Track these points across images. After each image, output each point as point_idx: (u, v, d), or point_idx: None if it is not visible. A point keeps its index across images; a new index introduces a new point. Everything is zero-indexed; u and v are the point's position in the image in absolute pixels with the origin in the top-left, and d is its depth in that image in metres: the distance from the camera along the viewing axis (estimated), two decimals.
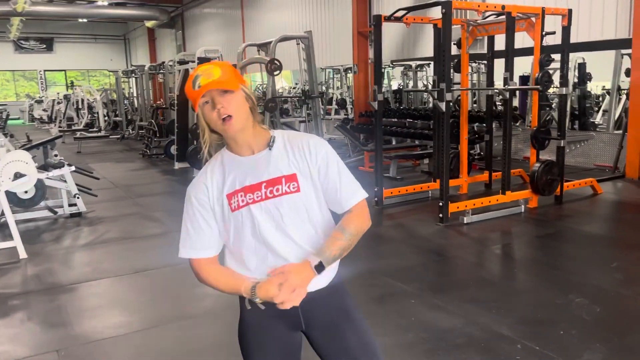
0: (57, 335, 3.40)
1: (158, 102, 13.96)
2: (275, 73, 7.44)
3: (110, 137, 16.13)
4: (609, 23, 7.93)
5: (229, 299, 3.83)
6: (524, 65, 9.72)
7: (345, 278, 1.75)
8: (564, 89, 6.26)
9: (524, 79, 10.48)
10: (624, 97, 10.14)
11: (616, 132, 9.10)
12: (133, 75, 16.99)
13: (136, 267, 4.64)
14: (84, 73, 31.27)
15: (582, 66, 10.56)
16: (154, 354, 3.17)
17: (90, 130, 17.13)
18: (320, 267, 1.53)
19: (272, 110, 7.69)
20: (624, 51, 9.26)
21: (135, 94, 17.55)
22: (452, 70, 5.89)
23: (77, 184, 6.66)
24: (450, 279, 4.31)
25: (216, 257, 1.65)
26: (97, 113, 18.28)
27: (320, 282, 1.60)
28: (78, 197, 6.54)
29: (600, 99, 11.96)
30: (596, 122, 10.96)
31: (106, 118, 18.37)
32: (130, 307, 3.85)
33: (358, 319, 1.70)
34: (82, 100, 19.22)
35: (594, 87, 11.95)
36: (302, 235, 1.59)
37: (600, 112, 11.44)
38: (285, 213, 1.57)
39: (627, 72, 10.05)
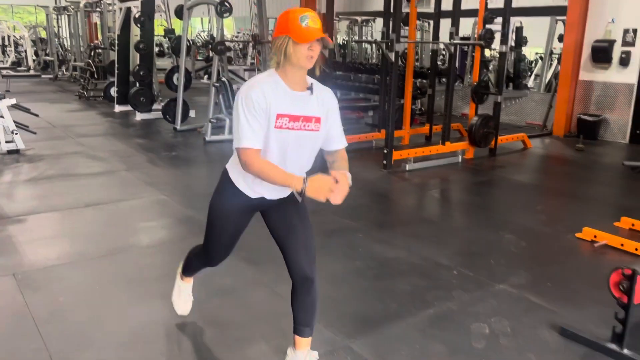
0: (11, 262, 3.40)
1: (95, 41, 13.30)
2: (225, 15, 7.34)
3: (42, 77, 15.30)
4: None
5: (181, 231, 3.97)
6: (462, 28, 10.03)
7: None
8: (504, 46, 6.61)
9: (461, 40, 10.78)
10: (555, 61, 10.72)
11: (546, 93, 9.69)
12: (65, 12, 15.96)
13: (86, 201, 4.62)
14: (6, 9, 28.92)
15: (519, 30, 10.97)
16: (110, 277, 3.25)
17: (19, 69, 16.14)
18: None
19: (221, 53, 7.60)
20: (558, 17, 9.74)
21: (67, 34, 16.54)
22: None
23: (14, 121, 6.41)
24: (394, 218, 4.61)
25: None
26: (25, 51, 17.17)
27: (286, 192, 2.13)
28: (16, 134, 6.30)
29: (533, 64, 12.54)
30: (529, 85, 11.55)
31: (34, 58, 17.29)
32: (83, 238, 3.88)
33: (307, 220, 2.20)
34: (8, 37, 17.96)
35: (527, 52, 12.48)
36: (307, 160, 2.10)
37: (533, 76, 12.03)
38: (305, 144, 2.04)
39: (560, 38, 10.59)
